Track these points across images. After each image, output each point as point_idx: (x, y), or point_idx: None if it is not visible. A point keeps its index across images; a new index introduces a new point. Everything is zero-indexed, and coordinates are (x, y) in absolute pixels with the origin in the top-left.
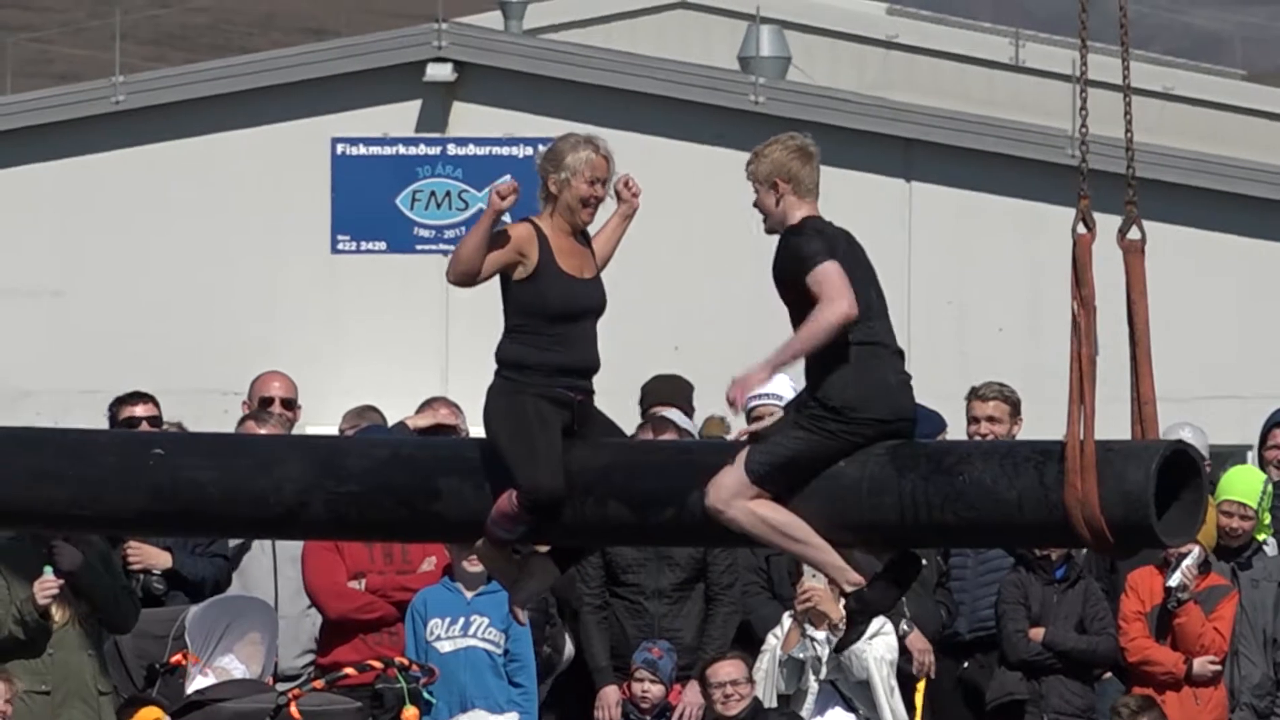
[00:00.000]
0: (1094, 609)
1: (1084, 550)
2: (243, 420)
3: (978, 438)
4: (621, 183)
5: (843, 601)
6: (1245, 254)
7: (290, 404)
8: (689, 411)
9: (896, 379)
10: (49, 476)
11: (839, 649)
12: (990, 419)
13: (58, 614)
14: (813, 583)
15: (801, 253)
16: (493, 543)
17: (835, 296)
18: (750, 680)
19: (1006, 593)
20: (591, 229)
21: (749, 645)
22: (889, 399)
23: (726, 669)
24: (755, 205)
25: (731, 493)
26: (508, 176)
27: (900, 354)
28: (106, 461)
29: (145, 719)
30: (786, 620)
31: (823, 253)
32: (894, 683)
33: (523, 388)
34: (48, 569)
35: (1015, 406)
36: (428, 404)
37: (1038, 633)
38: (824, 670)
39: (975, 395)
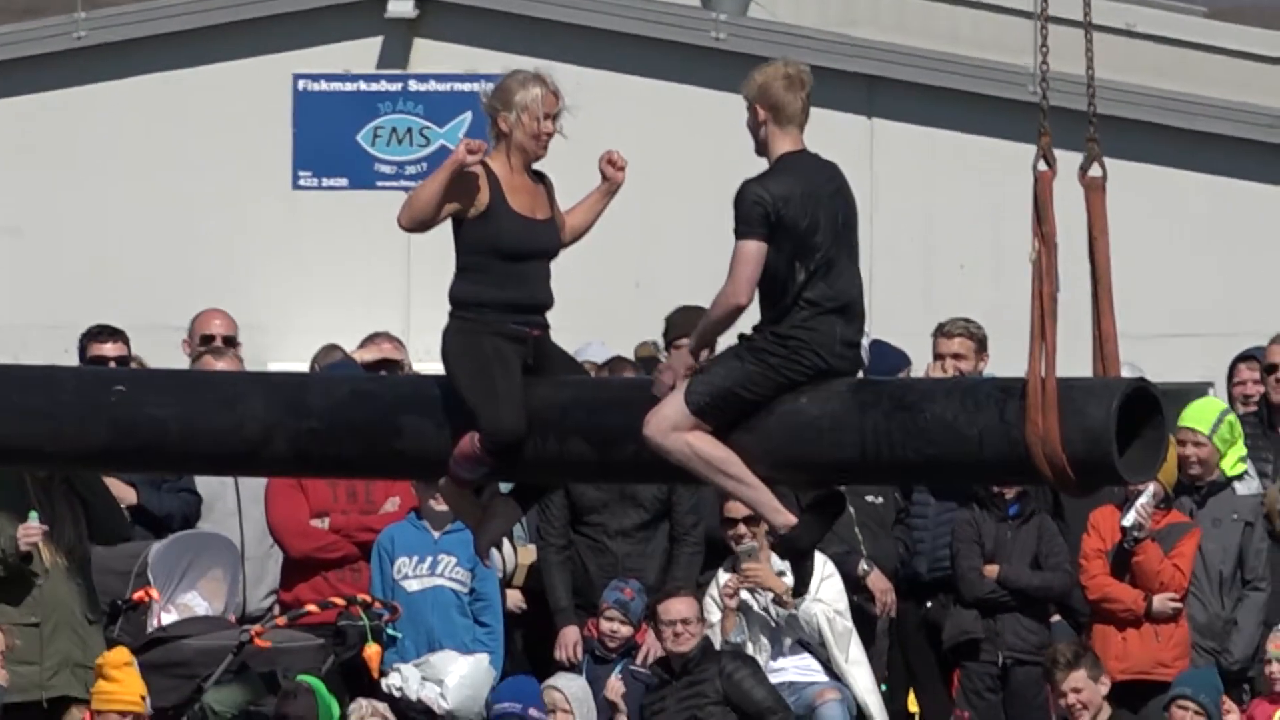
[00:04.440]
0: (1048, 545)
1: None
2: (198, 356)
3: (942, 374)
4: (606, 159)
5: (770, 540)
6: (1206, 191)
7: (231, 341)
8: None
9: (843, 331)
10: (9, 413)
11: (797, 593)
12: (956, 355)
13: (46, 556)
14: (750, 564)
15: (739, 211)
16: (455, 483)
17: (734, 279)
18: (701, 619)
19: (960, 531)
20: (569, 201)
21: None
22: (834, 350)
23: (677, 607)
24: (746, 124)
25: (670, 423)
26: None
27: (859, 313)
28: (67, 398)
29: (113, 661)
30: (719, 587)
31: (756, 228)
32: (849, 624)
33: (478, 327)
34: (33, 515)
35: (981, 343)
36: (371, 339)
37: (992, 569)
38: (779, 631)
39: (941, 332)
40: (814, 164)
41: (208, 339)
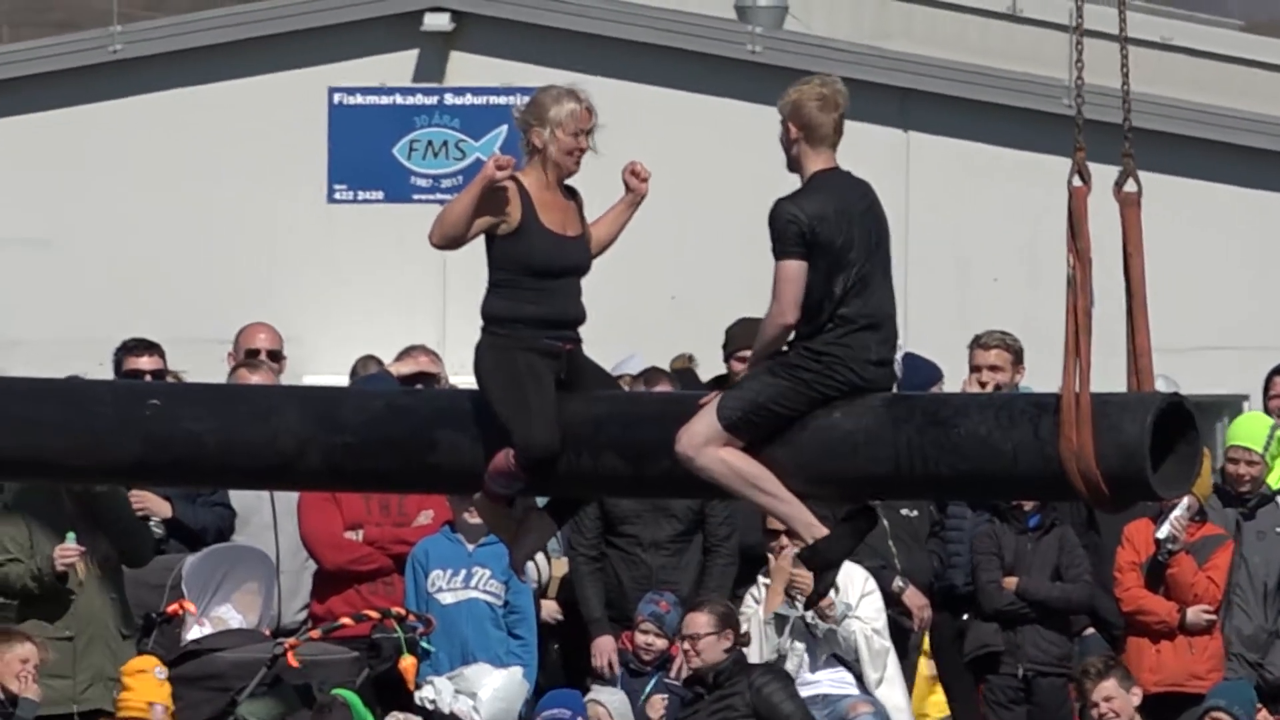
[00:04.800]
0: (1069, 557)
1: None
2: (234, 370)
3: (978, 387)
4: (629, 170)
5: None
6: (1242, 204)
7: (276, 355)
8: None
9: (877, 348)
10: (45, 426)
11: (809, 605)
12: (992, 368)
13: (81, 571)
14: (802, 568)
15: (774, 231)
16: (490, 498)
17: (779, 300)
18: (722, 630)
19: (980, 543)
20: (595, 213)
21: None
22: (867, 367)
23: (696, 620)
24: (779, 139)
25: (703, 439)
26: (509, 157)
27: (892, 331)
28: (103, 412)
29: (129, 669)
30: (763, 580)
31: (793, 248)
32: (887, 643)
33: (511, 342)
34: (70, 535)
35: (1017, 355)
36: (407, 352)
37: (1011, 582)
38: (817, 643)
39: (977, 344)
40: (846, 182)
41: (253, 353)
